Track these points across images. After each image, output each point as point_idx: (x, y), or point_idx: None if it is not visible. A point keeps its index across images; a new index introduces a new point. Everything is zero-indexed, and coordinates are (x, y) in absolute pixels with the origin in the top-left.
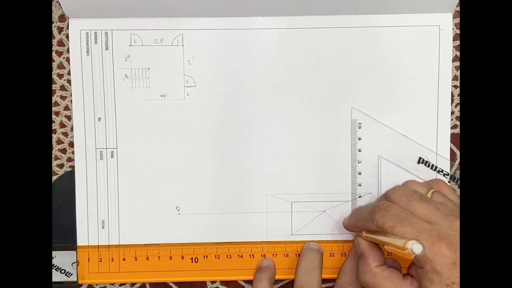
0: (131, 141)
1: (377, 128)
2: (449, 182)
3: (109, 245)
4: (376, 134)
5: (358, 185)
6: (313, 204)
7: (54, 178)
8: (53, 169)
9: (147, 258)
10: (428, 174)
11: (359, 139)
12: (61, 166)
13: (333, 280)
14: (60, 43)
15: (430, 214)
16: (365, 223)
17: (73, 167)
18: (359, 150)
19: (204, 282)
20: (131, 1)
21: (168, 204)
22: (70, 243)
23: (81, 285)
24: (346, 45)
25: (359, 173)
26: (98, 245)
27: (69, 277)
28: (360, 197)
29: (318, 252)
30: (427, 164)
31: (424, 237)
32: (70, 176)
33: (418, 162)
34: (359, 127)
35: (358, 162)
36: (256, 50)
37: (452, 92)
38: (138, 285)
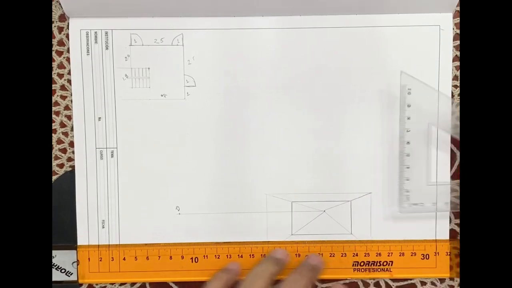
0: (131, 141)
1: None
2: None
3: (109, 245)
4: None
5: (407, 155)
6: (313, 204)
7: (54, 177)
8: (53, 169)
9: (147, 258)
10: None
11: (408, 106)
12: (61, 166)
13: (334, 280)
14: (60, 43)
15: None
16: None
17: (73, 166)
18: (408, 118)
19: (204, 282)
20: (131, 1)
21: (168, 204)
22: (70, 242)
23: (81, 284)
24: (346, 45)
25: (408, 143)
26: (98, 245)
27: (69, 276)
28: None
29: (276, 263)
30: None
31: None
32: (70, 175)
33: None
34: (409, 93)
35: (407, 131)
36: (256, 50)
37: (452, 92)
38: (138, 284)
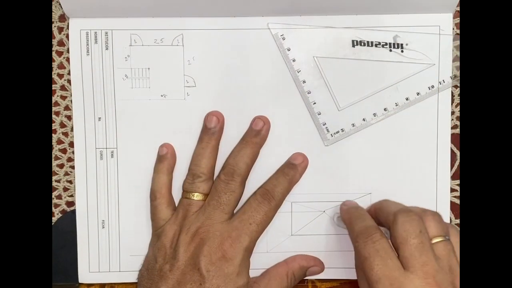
0: (131, 141)
1: (304, 36)
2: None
3: (109, 244)
4: (306, 40)
5: (308, 92)
6: (313, 204)
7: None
8: (53, 169)
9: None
10: (368, 52)
11: (289, 50)
12: (61, 166)
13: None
14: (60, 43)
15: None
16: (350, 230)
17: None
18: (293, 60)
19: None
20: (131, 1)
21: None
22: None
23: (81, 284)
24: (346, 45)
25: (304, 82)
26: (99, 245)
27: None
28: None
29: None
30: (362, 44)
31: (382, 282)
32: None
33: (353, 45)
34: (283, 39)
35: (298, 72)
36: (256, 50)
37: (452, 92)
38: None
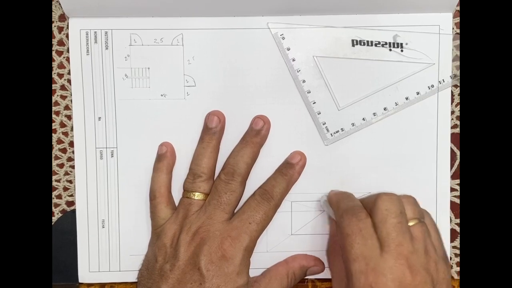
0: (131, 141)
1: (305, 37)
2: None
3: (109, 244)
4: (307, 39)
5: (308, 92)
6: (313, 203)
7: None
8: (53, 169)
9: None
10: (368, 51)
11: (288, 49)
12: (61, 165)
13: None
14: (60, 43)
15: (398, 246)
16: (336, 209)
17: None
18: (293, 60)
19: None
20: (131, 1)
21: None
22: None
23: (81, 284)
24: (346, 44)
25: (303, 81)
26: (99, 245)
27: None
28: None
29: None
30: (362, 44)
31: (359, 261)
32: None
33: (353, 45)
34: (283, 38)
35: (298, 71)
36: (256, 50)
37: (452, 92)
38: None
